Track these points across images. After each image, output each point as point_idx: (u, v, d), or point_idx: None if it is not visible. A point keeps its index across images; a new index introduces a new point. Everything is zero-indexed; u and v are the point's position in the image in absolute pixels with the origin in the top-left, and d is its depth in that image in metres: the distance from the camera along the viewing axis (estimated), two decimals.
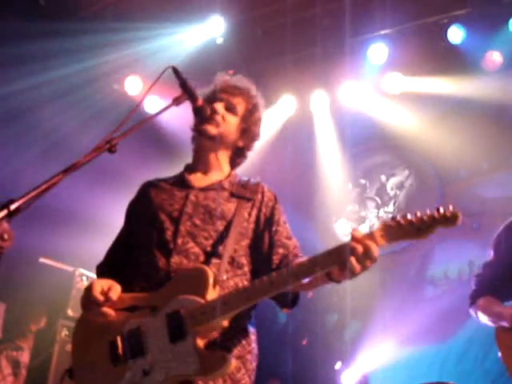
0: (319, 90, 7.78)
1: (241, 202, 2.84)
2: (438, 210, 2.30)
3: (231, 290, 2.50)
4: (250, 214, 2.84)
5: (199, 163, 3.00)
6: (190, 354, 2.40)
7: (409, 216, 2.32)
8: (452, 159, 7.33)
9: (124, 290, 2.76)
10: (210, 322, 2.41)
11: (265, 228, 2.83)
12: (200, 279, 2.51)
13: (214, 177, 2.95)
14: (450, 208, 2.29)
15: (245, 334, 2.70)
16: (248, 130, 3.03)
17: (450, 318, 6.71)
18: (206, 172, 2.97)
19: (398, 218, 2.34)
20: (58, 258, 6.33)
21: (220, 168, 2.99)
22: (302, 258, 2.59)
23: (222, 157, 3.00)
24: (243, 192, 2.89)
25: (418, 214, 2.31)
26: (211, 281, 2.49)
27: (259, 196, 2.90)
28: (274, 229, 2.83)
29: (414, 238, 2.33)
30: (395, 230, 2.34)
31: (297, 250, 2.81)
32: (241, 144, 3.02)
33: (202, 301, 2.45)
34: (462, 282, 6.94)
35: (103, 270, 2.95)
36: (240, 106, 2.99)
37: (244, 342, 2.69)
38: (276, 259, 2.75)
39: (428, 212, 2.31)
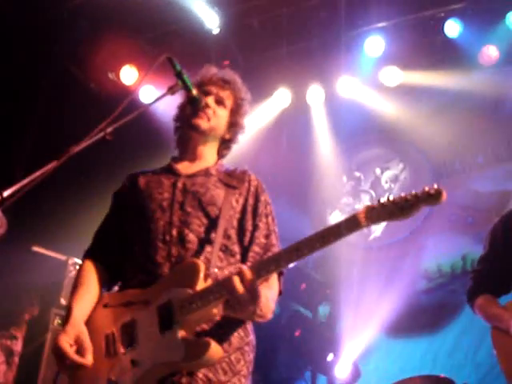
0: (315, 83, 7.78)
1: (228, 189, 2.85)
2: (423, 189, 2.27)
3: (217, 281, 2.50)
4: (237, 202, 2.84)
5: (187, 153, 3.00)
6: (176, 343, 2.42)
7: (391, 196, 2.30)
8: (447, 153, 7.35)
9: (120, 282, 2.82)
10: (197, 310, 2.43)
11: (248, 220, 2.84)
12: (191, 272, 2.52)
13: (201, 164, 2.96)
14: (435, 186, 2.26)
15: (242, 325, 2.71)
16: (235, 124, 3.05)
17: (443, 311, 6.74)
18: (193, 160, 2.98)
19: (382, 199, 2.31)
20: (51, 246, 6.31)
21: (207, 158, 3.00)
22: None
23: (210, 148, 3.02)
24: (230, 180, 2.90)
25: (402, 194, 2.29)
26: (202, 273, 2.50)
27: (246, 185, 2.90)
28: (255, 223, 2.84)
29: (398, 217, 2.29)
30: (378, 211, 2.30)
31: (270, 253, 2.78)
32: (228, 136, 3.05)
33: (191, 291, 2.47)
34: (455, 275, 6.97)
35: (95, 255, 2.89)
36: (228, 99, 3.01)
37: (242, 333, 2.70)
38: (251, 257, 2.76)
39: (411, 191, 2.28)
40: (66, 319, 2.64)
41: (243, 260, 2.77)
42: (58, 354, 2.52)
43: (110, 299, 2.72)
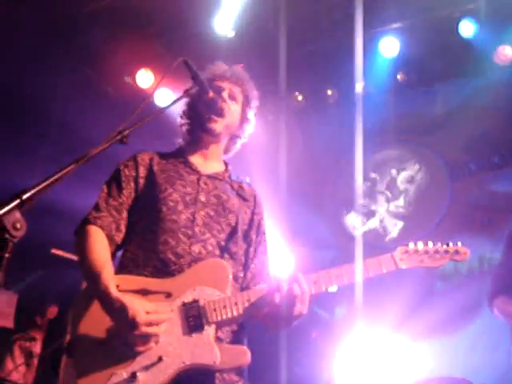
0: (330, 84, 7.80)
1: (240, 200, 2.92)
2: (447, 244, 2.62)
3: (254, 290, 2.55)
4: (246, 214, 2.92)
5: (198, 150, 3.02)
6: (209, 346, 2.42)
7: (421, 245, 2.61)
8: (463, 153, 7.31)
9: (126, 261, 2.73)
10: (232, 316, 2.45)
11: (253, 234, 2.92)
12: (220, 273, 2.56)
13: (215, 166, 3.00)
14: (459, 244, 2.63)
15: (243, 326, 2.75)
16: (246, 119, 3.09)
17: (460, 313, 6.70)
18: (206, 157, 3.00)
19: (414, 245, 2.63)
20: (69, 248, 6.35)
21: (218, 157, 3.05)
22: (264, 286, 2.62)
23: (221, 145, 3.06)
24: (241, 191, 2.97)
25: (430, 243, 2.62)
26: (231, 276, 2.54)
27: (252, 200, 2.99)
28: (259, 238, 2.95)
29: (429, 266, 2.64)
30: (412, 256, 2.62)
31: (267, 269, 2.93)
32: (238, 132, 3.08)
33: (223, 295, 2.49)
34: (472, 276, 6.93)
35: (103, 226, 2.71)
36: (239, 94, 3.04)
37: (244, 334, 2.75)
38: (252, 268, 2.86)
39: (440, 244, 2.62)
40: (111, 300, 2.43)
41: (243, 268, 2.84)
42: (130, 321, 2.37)
43: (121, 282, 2.58)
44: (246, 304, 2.48)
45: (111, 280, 2.51)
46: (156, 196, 2.77)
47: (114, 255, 2.77)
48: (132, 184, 2.85)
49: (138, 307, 2.39)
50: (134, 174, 2.88)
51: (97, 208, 2.79)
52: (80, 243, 2.70)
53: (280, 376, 6.78)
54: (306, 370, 7.08)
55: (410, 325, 6.67)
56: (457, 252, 2.59)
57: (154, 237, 2.70)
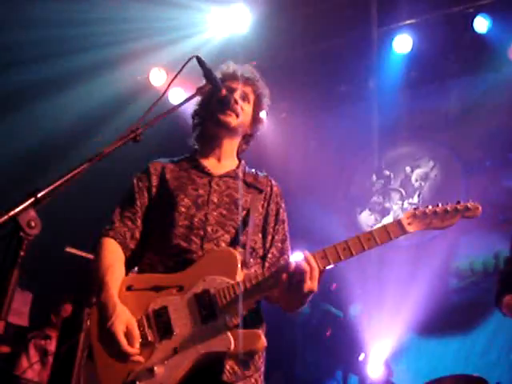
0: (343, 82, 7.79)
1: (254, 193, 2.92)
2: (458, 202, 2.54)
3: (262, 272, 2.56)
4: (262, 207, 2.92)
5: (212, 149, 3.03)
6: (222, 333, 2.44)
7: (430, 206, 2.54)
8: (477, 150, 7.27)
9: (144, 266, 2.78)
10: (243, 300, 2.47)
11: (270, 223, 2.93)
12: (228, 261, 2.57)
13: (228, 164, 3.00)
14: (470, 201, 2.55)
15: (262, 320, 2.76)
16: (258, 119, 3.09)
17: (475, 310, 6.68)
18: (219, 159, 3.01)
19: (423, 207, 2.55)
20: (84, 247, 6.37)
21: (232, 155, 3.05)
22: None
23: (234, 144, 3.06)
24: (255, 183, 2.97)
25: (440, 204, 2.53)
26: (239, 263, 2.56)
27: (268, 189, 2.99)
28: (276, 227, 2.95)
29: (438, 227, 2.55)
30: (421, 219, 2.53)
31: (285, 257, 2.92)
32: (250, 132, 3.09)
33: (233, 281, 2.50)
34: (487, 274, 6.90)
35: (118, 237, 2.79)
36: (251, 94, 3.05)
37: (263, 328, 2.74)
38: (270, 258, 2.87)
39: (450, 203, 2.54)
40: (107, 301, 2.54)
41: (262, 260, 2.86)
42: (111, 339, 2.45)
43: (133, 282, 2.66)
44: (256, 287, 2.50)
45: (113, 284, 2.60)
46: (168, 203, 2.82)
47: (130, 261, 2.81)
48: (145, 194, 2.91)
49: (119, 332, 2.45)
50: (146, 184, 2.93)
51: (111, 221, 2.87)
52: (94, 256, 2.80)
53: (294, 373, 6.78)
54: (319, 367, 7.08)
55: (425, 323, 6.65)
56: (467, 209, 2.53)
57: (168, 243, 2.74)
